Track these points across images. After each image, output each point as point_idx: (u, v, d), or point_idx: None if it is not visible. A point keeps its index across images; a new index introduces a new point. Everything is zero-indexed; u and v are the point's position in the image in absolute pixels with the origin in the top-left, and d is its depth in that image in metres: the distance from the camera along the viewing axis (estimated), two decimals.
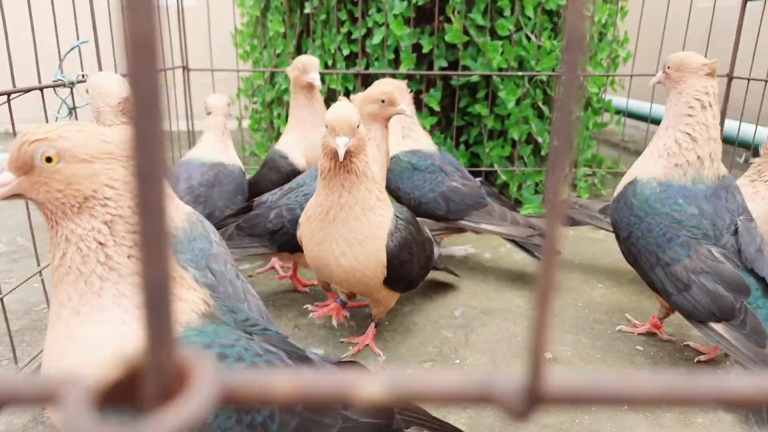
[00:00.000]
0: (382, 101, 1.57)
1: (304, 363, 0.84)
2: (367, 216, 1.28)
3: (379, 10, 2.45)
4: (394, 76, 2.49)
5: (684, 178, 1.38)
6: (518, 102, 2.51)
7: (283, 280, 1.90)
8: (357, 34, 2.47)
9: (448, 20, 2.46)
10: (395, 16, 2.41)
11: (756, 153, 3.32)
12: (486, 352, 1.49)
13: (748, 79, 2.29)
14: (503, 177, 2.60)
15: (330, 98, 2.68)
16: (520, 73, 2.43)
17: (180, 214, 1.18)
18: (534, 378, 0.21)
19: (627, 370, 1.41)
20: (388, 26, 2.44)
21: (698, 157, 1.38)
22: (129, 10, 0.16)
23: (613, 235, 1.56)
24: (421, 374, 0.22)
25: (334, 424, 0.83)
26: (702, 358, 1.46)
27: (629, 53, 2.80)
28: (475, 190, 1.93)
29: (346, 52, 2.54)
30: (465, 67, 2.49)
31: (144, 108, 0.17)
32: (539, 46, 2.48)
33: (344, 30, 2.52)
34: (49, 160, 0.68)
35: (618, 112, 3.17)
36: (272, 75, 2.94)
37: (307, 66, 1.86)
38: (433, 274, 1.96)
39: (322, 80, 2.65)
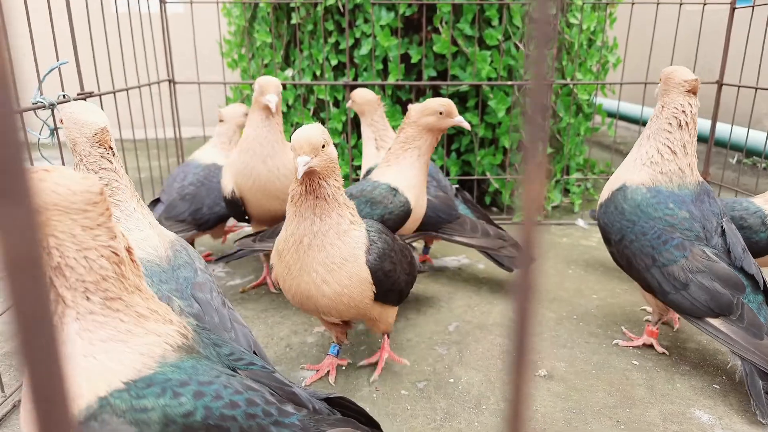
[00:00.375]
0: (440, 113, 1.60)
1: (289, 400, 0.82)
2: (342, 240, 1.23)
3: (366, 21, 2.43)
4: (383, 86, 2.47)
5: (671, 185, 1.44)
6: (508, 111, 2.49)
7: (274, 296, 1.88)
8: (345, 45, 2.45)
9: (436, 30, 2.44)
10: (382, 27, 2.39)
11: (748, 155, 3.33)
12: (481, 370, 1.47)
13: (738, 86, 2.28)
14: (495, 184, 2.59)
15: (319, 108, 2.66)
16: (509, 83, 2.41)
17: (164, 242, 1.15)
18: None
19: (622, 386, 1.39)
20: (375, 37, 2.42)
21: (679, 167, 1.45)
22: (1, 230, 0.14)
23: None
24: None
25: None
26: (623, 343, 1.57)
27: (619, 59, 2.80)
28: (448, 202, 1.93)
29: (334, 62, 2.51)
30: (454, 77, 2.48)
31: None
32: (528, 55, 2.46)
33: (332, 40, 2.50)
34: None
35: (610, 115, 3.17)
36: None
37: (264, 88, 1.78)
38: (425, 287, 1.94)
39: (311, 91, 2.63)
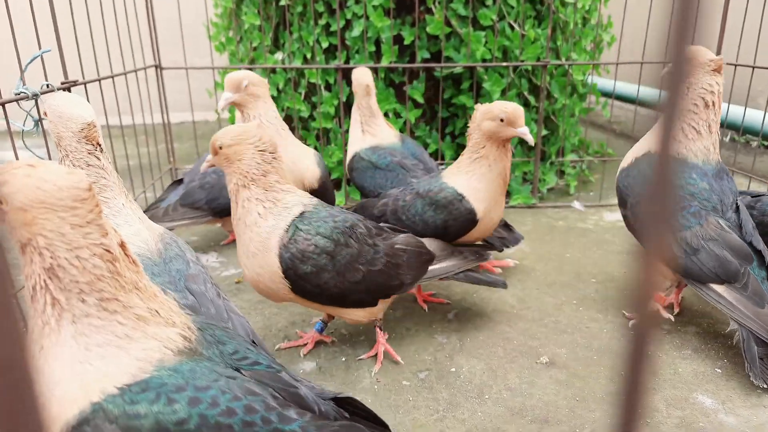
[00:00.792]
0: (501, 120, 1.50)
1: (294, 403, 0.79)
2: (251, 229, 1.27)
3: (357, 1, 2.37)
4: (375, 69, 2.42)
5: (695, 159, 1.49)
6: (503, 92, 2.45)
7: None
8: (336, 26, 2.39)
9: (429, 11, 2.39)
10: (374, 7, 2.33)
11: (744, 133, 3.32)
12: (482, 358, 1.45)
13: (735, 65, 2.26)
14: None
15: (310, 92, 2.61)
16: (504, 64, 2.37)
17: (153, 235, 1.11)
18: None
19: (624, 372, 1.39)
20: (367, 18, 2.36)
21: (704, 146, 1.50)
22: None
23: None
24: None
25: None
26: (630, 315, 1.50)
27: (613, 37, 2.76)
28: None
29: (325, 44, 2.45)
30: (448, 59, 2.43)
31: None
32: (523, 35, 2.42)
33: (322, 22, 2.43)
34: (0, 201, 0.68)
35: (604, 94, 3.14)
36: (250, 70, 2.84)
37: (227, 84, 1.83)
38: None
39: (302, 74, 2.57)
